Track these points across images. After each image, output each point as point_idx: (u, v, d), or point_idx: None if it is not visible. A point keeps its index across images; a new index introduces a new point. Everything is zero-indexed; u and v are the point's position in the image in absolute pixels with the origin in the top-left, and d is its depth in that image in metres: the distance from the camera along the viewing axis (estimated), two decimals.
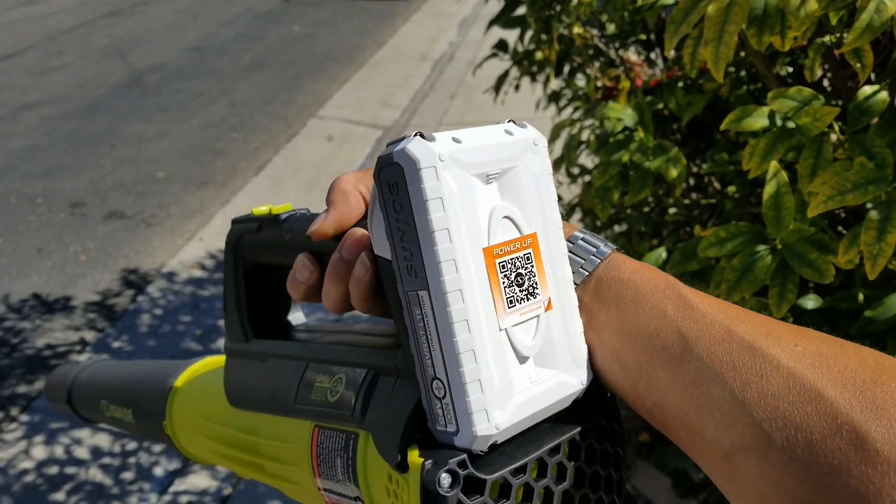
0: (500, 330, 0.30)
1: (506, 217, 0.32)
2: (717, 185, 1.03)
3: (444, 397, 0.30)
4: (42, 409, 2.10)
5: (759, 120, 0.70)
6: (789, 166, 0.84)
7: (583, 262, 0.34)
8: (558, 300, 0.33)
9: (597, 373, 0.34)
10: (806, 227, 0.66)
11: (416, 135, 0.30)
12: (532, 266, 0.32)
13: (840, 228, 1.02)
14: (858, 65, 0.66)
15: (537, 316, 0.32)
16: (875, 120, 0.75)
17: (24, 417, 2.07)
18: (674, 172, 0.83)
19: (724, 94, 1.09)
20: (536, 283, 0.32)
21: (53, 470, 1.89)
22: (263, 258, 0.43)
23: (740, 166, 1.07)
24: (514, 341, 0.31)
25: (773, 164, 0.65)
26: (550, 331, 0.32)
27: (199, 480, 1.84)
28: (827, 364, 0.28)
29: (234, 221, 0.44)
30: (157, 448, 1.95)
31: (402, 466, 0.31)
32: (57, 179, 3.46)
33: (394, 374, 0.34)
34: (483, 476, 0.30)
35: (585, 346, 0.33)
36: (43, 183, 3.43)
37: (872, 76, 0.96)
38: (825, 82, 1.14)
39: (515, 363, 0.31)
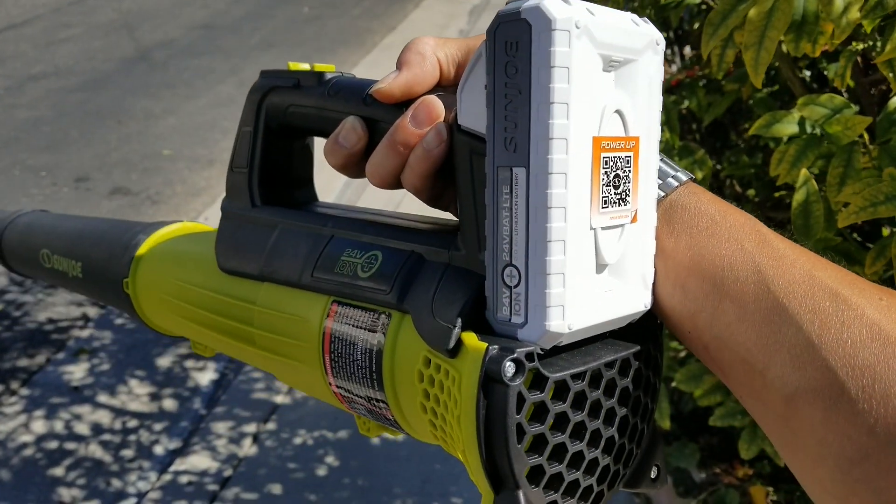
0: (591, 229, 0.29)
1: (617, 112, 0.29)
2: (738, 187, 1.02)
3: (516, 286, 0.28)
4: (43, 384, 2.10)
5: (788, 126, 0.69)
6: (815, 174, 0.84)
7: (660, 183, 0.32)
8: (643, 215, 0.31)
9: (655, 299, 0.32)
10: (833, 237, 0.66)
11: None
12: (630, 171, 0.30)
13: (854, 235, 1.02)
14: (892, 75, 0.66)
15: (623, 225, 0.30)
16: None
17: (25, 391, 2.07)
18: (699, 174, 0.83)
19: (746, 95, 1.09)
20: (629, 191, 0.30)
21: (53, 445, 1.89)
22: (294, 119, 0.39)
23: (760, 169, 1.07)
24: (600, 245, 0.29)
25: (804, 172, 0.65)
26: (630, 244, 0.30)
27: (200, 461, 1.84)
28: None
29: (264, 74, 0.39)
30: (159, 426, 1.95)
31: (454, 351, 0.29)
32: (62, 153, 3.45)
33: (444, 260, 0.32)
34: (546, 373, 0.28)
35: (653, 269, 0.31)
36: (48, 156, 3.41)
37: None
38: (835, 83, 1.13)
39: (594, 268, 0.29)
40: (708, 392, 0.95)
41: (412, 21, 5.75)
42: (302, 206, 0.41)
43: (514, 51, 0.27)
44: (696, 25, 1.21)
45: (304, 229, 0.38)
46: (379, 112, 0.34)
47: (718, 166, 1.25)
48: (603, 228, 0.29)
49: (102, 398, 2.06)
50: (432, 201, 0.35)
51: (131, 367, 2.17)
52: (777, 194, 1.05)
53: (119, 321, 2.37)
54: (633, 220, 0.30)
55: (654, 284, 0.32)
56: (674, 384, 1.19)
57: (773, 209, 1.06)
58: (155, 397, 2.07)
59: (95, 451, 1.88)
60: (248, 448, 1.88)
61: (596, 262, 0.29)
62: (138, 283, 0.48)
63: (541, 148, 0.27)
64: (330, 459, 1.81)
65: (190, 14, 5.66)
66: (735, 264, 0.30)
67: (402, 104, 0.33)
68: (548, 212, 0.27)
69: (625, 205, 0.30)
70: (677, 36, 1.42)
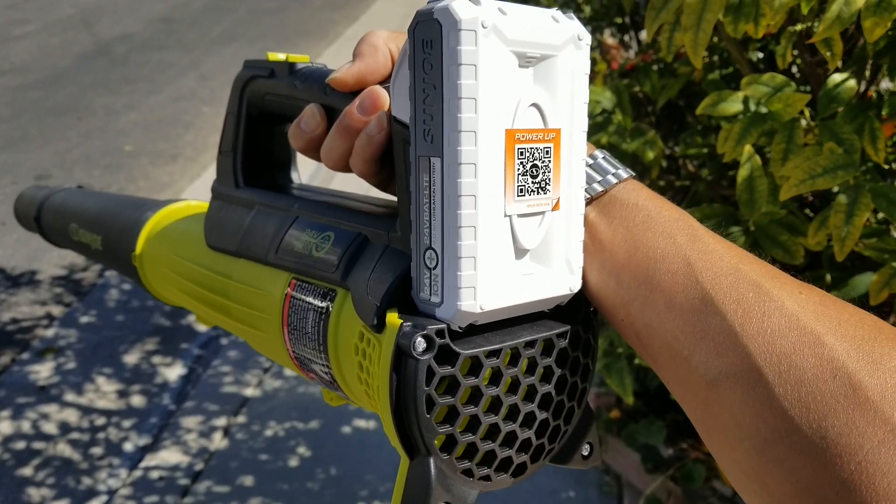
0: (505, 216, 0.30)
1: (534, 105, 0.31)
2: (690, 167, 1.05)
3: (434, 267, 0.30)
4: (8, 384, 2.07)
5: (733, 105, 0.72)
6: (760, 150, 0.86)
7: (599, 178, 0.34)
8: (567, 203, 0.32)
9: (589, 289, 0.34)
10: (777, 210, 0.69)
11: None
12: (549, 161, 0.31)
13: (807, 212, 1.05)
14: (829, 53, 0.68)
15: (543, 213, 0.31)
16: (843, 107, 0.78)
17: None
18: (650, 155, 0.85)
19: (698, 78, 1.11)
20: (549, 180, 0.31)
21: (20, 445, 1.87)
22: (270, 106, 0.41)
23: (713, 149, 1.09)
24: (516, 231, 0.31)
25: (747, 149, 0.67)
26: (552, 231, 0.32)
27: (170, 456, 1.83)
28: (828, 314, 0.29)
29: (247, 65, 0.42)
30: (128, 423, 1.94)
31: (380, 326, 0.31)
32: (21, 151, 3.38)
33: (384, 242, 0.34)
34: (457, 349, 0.30)
35: (582, 255, 0.33)
36: (6, 154, 3.35)
37: (840, 64, 0.99)
38: (793, 69, 1.16)
39: (512, 253, 0.31)
40: None
41: (375, 12, 5.72)
42: (281, 188, 0.44)
43: (430, 49, 0.29)
44: None
45: (275, 210, 0.41)
46: (336, 100, 0.36)
47: (677, 148, 1.28)
48: (519, 215, 0.31)
49: (70, 397, 2.04)
50: (382, 185, 0.37)
51: (98, 365, 2.15)
52: (731, 172, 1.08)
53: (84, 319, 2.34)
54: (555, 207, 0.32)
55: (589, 273, 0.33)
56: (637, 361, 1.22)
57: (728, 187, 1.09)
58: (123, 394, 2.05)
59: (64, 450, 1.86)
60: (218, 441, 1.87)
61: (514, 246, 0.31)
62: (144, 257, 0.52)
63: (451, 140, 0.29)
64: (301, 450, 1.82)
65: (149, 7, 5.57)
66: (667, 257, 0.31)
67: (357, 93, 0.35)
68: (459, 199, 0.29)
69: (544, 193, 0.31)
70: (633, 21, 1.45)
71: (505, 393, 0.32)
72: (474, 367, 0.31)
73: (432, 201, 0.30)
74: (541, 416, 0.34)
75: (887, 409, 0.26)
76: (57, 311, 2.38)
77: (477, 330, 0.32)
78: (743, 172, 0.67)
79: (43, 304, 2.41)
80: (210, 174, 3.21)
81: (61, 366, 2.15)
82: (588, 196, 0.34)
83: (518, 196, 0.30)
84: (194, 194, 3.02)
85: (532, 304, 0.32)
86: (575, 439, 0.37)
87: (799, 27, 0.74)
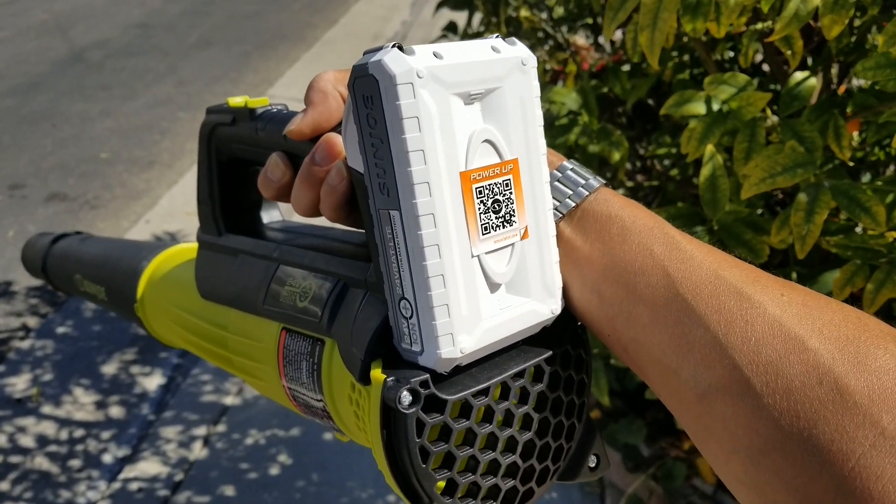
0: (473, 256, 0.30)
1: (486, 141, 0.30)
2: (659, 167, 1.05)
3: (410, 317, 0.30)
4: None
5: (696, 105, 0.72)
6: (728, 150, 0.86)
7: (570, 192, 0.34)
8: (535, 229, 0.32)
9: (574, 305, 0.33)
10: (741, 209, 0.69)
11: (393, 46, 0.28)
12: (511, 193, 0.31)
13: (779, 210, 1.05)
14: (789, 52, 0.68)
15: (512, 244, 0.31)
16: (810, 103, 0.78)
17: None
18: (616, 155, 0.85)
19: (668, 78, 1.11)
20: (514, 211, 0.31)
21: None
22: (237, 152, 0.41)
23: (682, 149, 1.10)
24: (486, 268, 0.31)
25: (710, 148, 0.67)
26: (525, 259, 0.32)
27: (150, 467, 1.81)
28: (811, 316, 0.28)
29: (209, 111, 0.42)
30: (106, 434, 1.92)
31: (365, 380, 0.31)
32: None
33: (364, 287, 0.34)
34: (444, 396, 0.30)
35: (560, 275, 0.33)
36: None
37: (809, 61, 0.99)
38: (764, 67, 1.17)
39: (486, 289, 0.31)
40: None
41: (354, 14, 5.70)
42: (263, 231, 0.44)
43: (371, 104, 0.28)
44: None
45: (257, 257, 0.41)
46: (298, 147, 0.36)
47: (650, 147, 1.28)
48: (487, 252, 0.30)
49: (47, 409, 2.01)
50: (357, 226, 0.36)
51: (76, 376, 2.13)
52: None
53: (61, 330, 2.31)
54: (524, 236, 0.32)
55: (572, 290, 0.33)
56: (612, 361, 1.22)
57: (697, 187, 1.09)
58: (101, 405, 2.03)
59: (42, 463, 1.84)
60: (198, 451, 1.86)
61: (488, 283, 0.31)
62: (146, 307, 0.52)
63: (406, 193, 0.28)
64: (283, 458, 1.80)
65: (125, 13, 5.52)
66: (646, 269, 0.31)
67: (317, 139, 0.35)
68: (422, 250, 0.28)
69: (510, 226, 0.31)
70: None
71: (500, 427, 0.32)
72: (465, 408, 0.31)
73: (398, 253, 0.29)
74: (540, 441, 0.33)
75: (875, 412, 0.25)
76: (33, 322, 2.35)
77: (464, 368, 0.31)
78: (705, 172, 0.67)
79: (18, 315, 2.38)
80: (187, 181, 3.19)
81: (38, 377, 2.12)
82: (560, 214, 0.33)
83: (484, 234, 0.30)
84: (172, 201, 3.00)
85: (515, 335, 0.32)
86: (580, 453, 0.36)
87: (760, 26, 0.74)
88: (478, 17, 1.54)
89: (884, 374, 0.26)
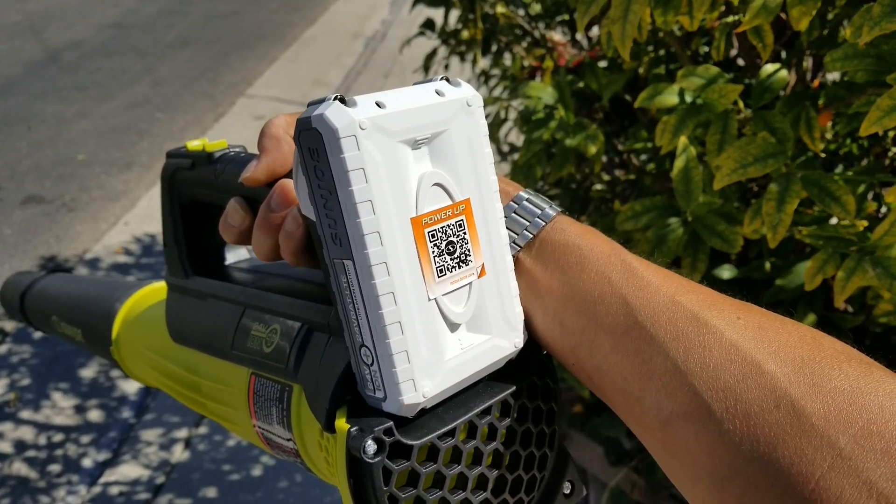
0: (430, 300, 0.30)
1: (436, 184, 0.30)
2: (636, 161, 1.06)
3: (371, 364, 0.30)
4: None
5: (669, 97, 0.72)
6: (702, 142, 0.87)
7: (527, 224, 0.34)
8: (492, 265, 0.32)
9: (537, 336, 0.33)
10: (715, 200, 0.69)
11: (335, 98, 0.28)
12: (465, 233, 0.31)
13: (754, 202, 1.06)
14: (760, 44, 0.69)
15: (469, 283, 0.31)
16: (782, 94, 0.79)
17: None
18: (593, 149, 0.85)
19: (644, 72, 1.12)
20: (469, 251, 0.31)
21: None
22: (198, 196, 0.41)
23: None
24: (445, 310, 0.30)
25: (683, 140, 0.68)
26: (483, 297, 0.32)
27: (131, 470, 1.80)
28: (768, 338, 0.28)
29: (169, 155, 0.42)
30: (86, 439, 1.90)
31: (331, 428, 0.31)
32: None
33: (327, 332, 0.34)
34: (409, 442, 0.30)
35: (521, 309, 0.33)
36: None
37: (783, 54, 1.00)
38: (739, 61, 1.18)
39: (446, 331, 0.31)
40: None
41: (334, 13, 5.68)
42: (229, 272, 0.44)
43: (317, 157, 0.28)
44: None
45: (224, 300, 0.41)
46: (256, 192, 0.36)
47: (627, 142, 1.29)
48: (445, 294, 0.30)
49: (25, 414, 1.99)
50: (318, 269, 0.36)
51: (54, 381, 2.10)
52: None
53: (38, 334, 2.28)
54: (481, 274, 0.32)
55: (535, 320, 0.33)
56: None
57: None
58: (81, 409, 2.00)
59: (20, 468, 1.82)
60: (179, 454, 1.84)
61: (447, 324, 0.31)
62: (121, 349, 0.52)
63: (357, 244, 0.28)
64: (265, 459, 1.79)
65: (100, 13, 5.46)
66: (605, 298, 0.31)
67: (273, 183, 0.35)
68: (378, 299, 0.28)
69: (466, 265, 0.31)
70: None
71: (468, 466, 0.32)
72: (432, 451, 0.31)
73: (355, 301, 0.29)
74: (512, 475, 0.33)
75: (832, 433, 0.26)
76: (10, 326, 2.32)
77: (430, 409, 0.31)
78: (679, 164, 0.67)
79: None
80: None
81: (16, 382, 2.10)
82: (518, 246, 0.33)
83: (440, 276, 0.30)
84: (151, 203, 2.97)
85: (479, 373, 0.32)
86: (554, 481, 0.36)
87: (731, 19, 0.74)
88: (455, 13, 1.54)
89: (839, 396, 0.26)
